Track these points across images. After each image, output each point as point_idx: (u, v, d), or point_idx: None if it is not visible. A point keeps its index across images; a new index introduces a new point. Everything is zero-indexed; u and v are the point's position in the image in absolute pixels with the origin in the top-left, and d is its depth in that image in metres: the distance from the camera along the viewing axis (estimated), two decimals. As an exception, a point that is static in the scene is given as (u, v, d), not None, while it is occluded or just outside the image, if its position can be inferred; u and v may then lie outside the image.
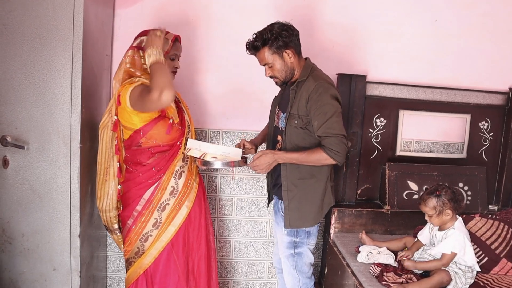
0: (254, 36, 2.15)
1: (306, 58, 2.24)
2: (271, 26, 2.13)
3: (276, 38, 2.09)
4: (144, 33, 2.17)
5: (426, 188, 2.52)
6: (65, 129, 2.10)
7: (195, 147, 2.19)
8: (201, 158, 2.16)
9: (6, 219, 2.13)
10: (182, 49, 2.29)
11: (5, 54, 2.02)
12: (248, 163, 2.23)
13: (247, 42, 2.17)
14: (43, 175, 2.11)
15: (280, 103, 2.30)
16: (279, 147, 2.22)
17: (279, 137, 2.23)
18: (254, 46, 2.14)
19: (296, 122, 2.14)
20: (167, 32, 2.16)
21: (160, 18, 2.63)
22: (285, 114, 2.19)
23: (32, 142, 2.09)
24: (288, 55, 2.13)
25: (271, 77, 2.21)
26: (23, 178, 2.11)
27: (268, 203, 2.53)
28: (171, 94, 1.87)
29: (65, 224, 2.16)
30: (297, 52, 2.17)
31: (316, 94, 2.07)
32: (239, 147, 2.36)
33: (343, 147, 2.05)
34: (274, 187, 2.32)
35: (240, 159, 2.22)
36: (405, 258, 2.23)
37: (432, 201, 2.17)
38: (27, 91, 2.05)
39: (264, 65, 2.18)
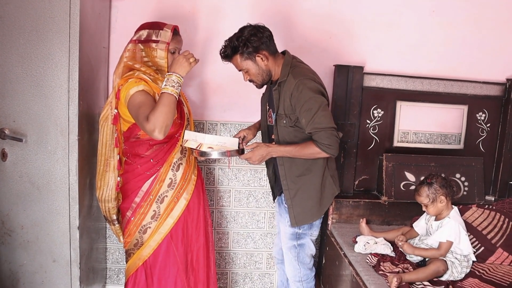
0: (224, 45, 2.15)
1: (284, 53, 2.21)
2: (241, 31, 2.12)
3: (245, 44, 2.08)
4: (144, 26, 2.17)
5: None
6: (63, 121, 2.10)
7: (191, 138, 2.19)
8: (198, 148, 2.17)
9: (6, 211, 2.14)
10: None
11: (2, 47, 2.02)
12: (244, 153, 2.24)
13: (220, 51, 2.17)
14: (41, 167, 2.12)
15: (269, 102, 2.30)
16: None
17: (273, 136, 2.24)
18: (226, 55, 2.15)
19: (284, 122, 2.15)
20: (165, 24, 2.15)
21: (157, 9, 2.62)
22: (274, 114, 2.20)
23: (30, 135, 2.10)
24: (261, 59, 2.11)
25: (250, 81, 2.21)
26: (22, 171, 2.12)
27: (274, 199, 2.53)
28: (162, 135, 1.94)
29: (64, 216, 2.17)
30: (271, 52, 2.14)
31: (297, 92, 2.06)
32: (239, 137, 2.36)
33: (334, 140, 2.05)
34: (276, 182, 2.34)
35: (236, 148, 2.22)
36: (401, 242, 2.25)
37: (424, 190, 2.21)
38: (24, 84, 2.05)
39: (240, 70, 2.18)
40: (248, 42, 2.07)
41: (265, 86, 2.31)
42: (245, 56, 2.11)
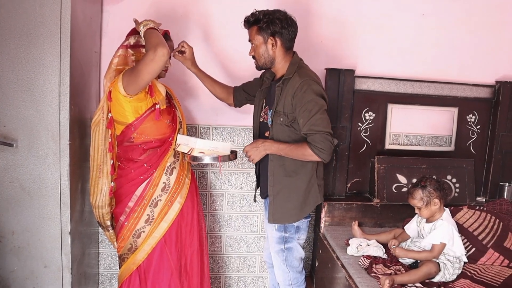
0: (252, 12, 2.18)
1: (294, 53, 2.24)
2: (273, 11, 2.15)
3: (266, 22, 2.11)
4: (134, 31, 2.17)
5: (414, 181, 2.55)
6: (54, 126, 2.09)
7: (183, 143, 2.20)
8: (189, 153, 2.17)
9: (-4, 217, 2.12)
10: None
11: (-8, 52, 2.01)
12: (237, 157, 2.24)
13: (245, 16, 2.21)
14: (32, 172, 2.11)
15: (267, 99, 2.31)
16: None
17: (267, 133, 2.25)
18: (247, 20, 2.19)
19: (281, 119, 2.15)
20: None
21: (149, 14, 2.62)
22: (271, 110, 2.21)
23: (21, 140, 2.08)
24: (272, 44, 2.14)
25: (253, 57, 2.24)
26: (13, 176, 2.10)
27: (255, 198, 2.55)
28: (165, 49, 1.93)
29: (55, 222, 2.16)
30: (285, 45, 2.17)
31: (301, 92, 2.08)
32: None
33: (328, 145, 2.05)
34: (262, 184, 2.34)
35: (228, 153, 2.22)
36: (394, 246, 2.26)
37: (419, 193, 2.21)
38: (15, 88, 2.04)
39: (250, 41, 2.21)
40: (271, 22, 2.11)
41: (264, 82, 2.33)
42: (260, 32, 2.14)
